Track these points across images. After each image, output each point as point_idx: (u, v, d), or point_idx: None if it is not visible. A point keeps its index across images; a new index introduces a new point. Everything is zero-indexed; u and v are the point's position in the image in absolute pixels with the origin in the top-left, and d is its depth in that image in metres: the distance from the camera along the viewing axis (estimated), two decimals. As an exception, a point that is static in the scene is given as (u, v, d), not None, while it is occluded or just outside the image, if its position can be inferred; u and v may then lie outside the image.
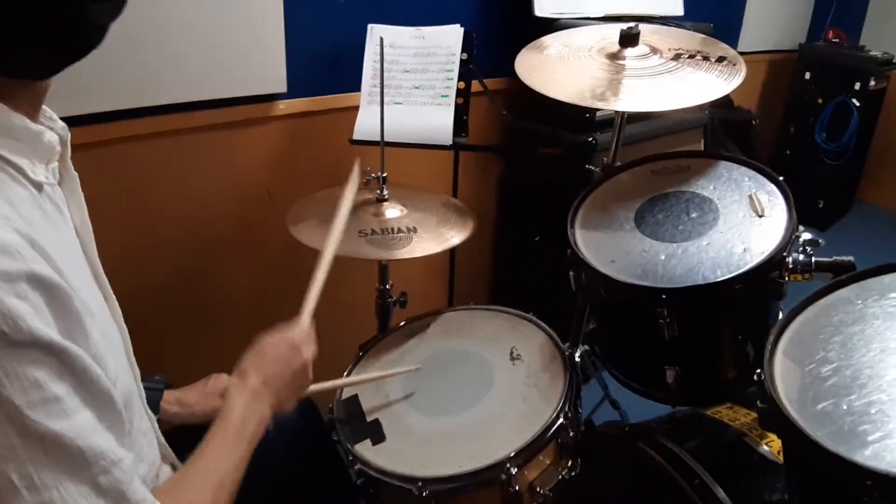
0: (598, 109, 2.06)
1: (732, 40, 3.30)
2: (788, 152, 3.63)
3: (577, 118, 2.05)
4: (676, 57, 1.31)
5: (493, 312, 1.35)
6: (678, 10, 2.45)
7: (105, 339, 0.65)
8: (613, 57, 1.34)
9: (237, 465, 0.80)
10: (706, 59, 1.30)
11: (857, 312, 0.89)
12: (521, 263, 2.39)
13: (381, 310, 1.57)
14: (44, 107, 0.65)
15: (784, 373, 0.85)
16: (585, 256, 1.11)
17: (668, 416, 1.29)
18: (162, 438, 0.87)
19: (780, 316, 1.13)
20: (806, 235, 1.12)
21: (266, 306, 1.85)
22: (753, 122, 3.14)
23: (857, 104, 3.25)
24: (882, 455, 0.71)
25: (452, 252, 1.93)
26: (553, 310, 1.33)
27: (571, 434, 1.10)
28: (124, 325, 0.77)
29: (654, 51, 1.33)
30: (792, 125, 3.59)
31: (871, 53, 3.33)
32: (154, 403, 1.00)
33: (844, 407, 0.78)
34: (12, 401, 0.52)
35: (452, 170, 1.85)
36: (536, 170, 2.14)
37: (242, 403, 0.86)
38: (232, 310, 1.80)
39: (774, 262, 1.01)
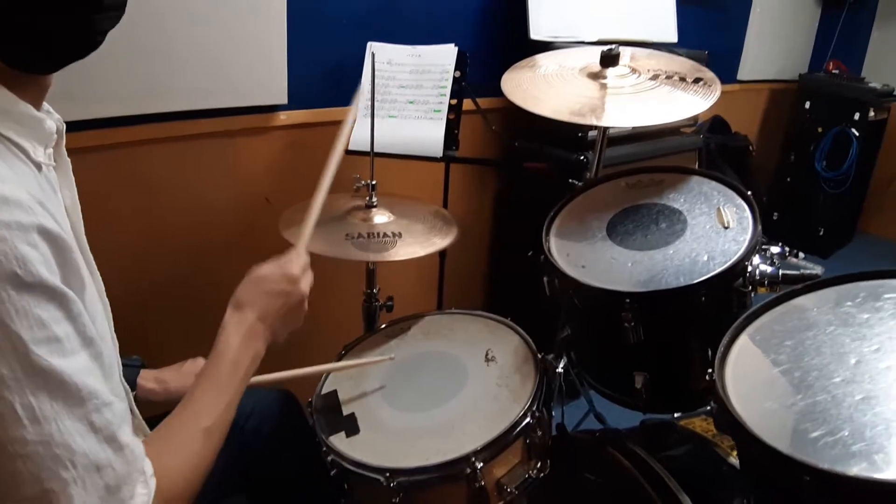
0: (590, 129, 2.12)
1: (732, 69, 3.36)
2: (789, 180, 3.66)
3: (569, 137, 2.10)
4: (654, 77, 1.36)
5: (473, 317, 1.39)
6: (672, 37, 2.51)
7: (92, 305, 0.71)
8: (595, 76, 1.39)
9: (226, 408, 0.81)
10: (683, 79, 1.35)
11: (811, 319, 0.92)
12: (514, 276, 2.43)
13: (368, 313, 1.62)
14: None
15: (735, 374, 0.88)
16: (557, 262, 1.15)
17: (640, 425, 1.32)
18: (137, 412, 0.91)
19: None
20: (774, 249, 1.15)
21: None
22: (750, 149, 3.18)
23: (857, 134, 3.28)
24: (821, 452, 0.74)
25: (442, 261, 1.98)
26: (546, 322, 1.36)
27: (540, 434, 1.13)
28: (107, 301, 0.81)
29: (634, 71, 1.38)
30: (792, 153, 3.63)
31: (871, 85, 3.37)
32: (131, 380, 1.05)
33: (789, 406, 0.81)
34: (20, 335, 0.57)
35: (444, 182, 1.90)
36: (529, 185, 2.19)
37: (237, 341, 0.85)
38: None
39: (736, 271, 1.04)
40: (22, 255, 0.58)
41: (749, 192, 1.17)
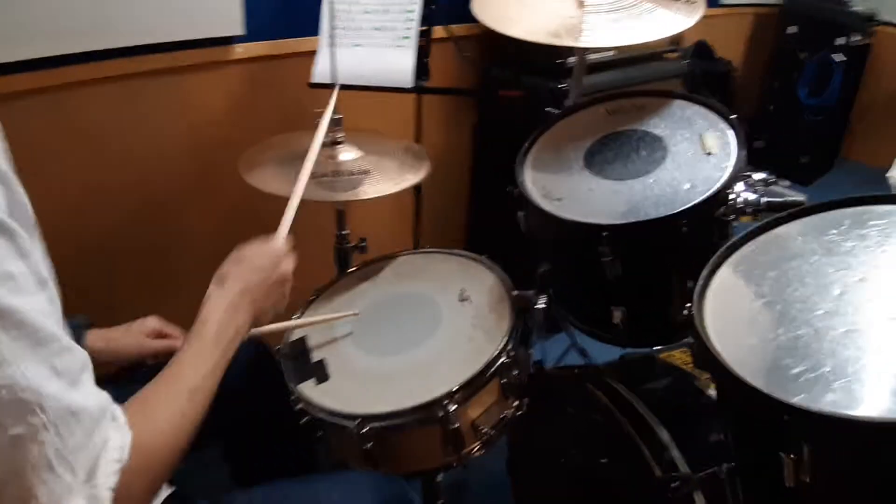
0: (570, 55, 2.02)
1: (716, -9, 3.23)
2: (772, 107, 3.58)
3: (547, 65, 2.01)
4: (634, -8, 1.27)
5: (447, 255, 1.34)
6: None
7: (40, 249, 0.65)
8: (573, -6, 1.30)
9: (211, 372, 0.79)
10: (665, -5, 1.27)
11: (795, 248, 0.88)
12: (494, 213, 2.37)
13: (340, 255, 1.56)
14: None
15: (715, 308, 0.84)
16: (531, 195, 1.09)
17: (619, 360, 1.29)
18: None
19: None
20: (758, 176, 1.10)
21: (224, 254, 1.82)
22: (733, 74, 3.09)
23: (840, 60, 3.20)
24: (801, 388, 0.70)
25: (417, 199, 1.91)
26: (528, 258, 1.30)
27: (516, 373, 1.10)
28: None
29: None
30: (775, 80, 3.54)
31: (855, 9, 3.26)
32: (77, 339, 0.99)
33: (770, 340, 0.77)
34: None
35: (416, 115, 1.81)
36: (506, 116, 2.11)
37: (220, 311, 0.84)
38: (188, 259, 1.77)
39: (719, 200, 0.99)
40: None
41: (734, 116, 1.11)
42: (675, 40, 2.49)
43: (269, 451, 1.26)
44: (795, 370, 0.72)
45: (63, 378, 0.58)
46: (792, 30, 3.40)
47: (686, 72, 2.58)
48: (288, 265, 0.95)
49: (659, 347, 1.45)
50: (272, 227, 1.17)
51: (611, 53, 2.22)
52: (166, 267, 1.75)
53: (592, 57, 2.13)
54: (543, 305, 1.25)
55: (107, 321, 1.10)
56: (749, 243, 0.90)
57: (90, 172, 1.55)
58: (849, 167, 3.78)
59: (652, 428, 1.05)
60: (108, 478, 0.60)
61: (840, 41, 3.21)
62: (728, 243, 0.89)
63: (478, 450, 1.07)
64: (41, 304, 0.58)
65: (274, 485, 1.00)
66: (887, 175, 1.78)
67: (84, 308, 0.97)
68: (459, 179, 2.45)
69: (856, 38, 3.22)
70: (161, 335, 1.09)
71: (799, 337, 0.76)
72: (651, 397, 1.12)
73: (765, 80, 3.61)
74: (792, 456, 0.65)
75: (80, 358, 0.62)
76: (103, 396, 0.63)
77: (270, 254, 0.94)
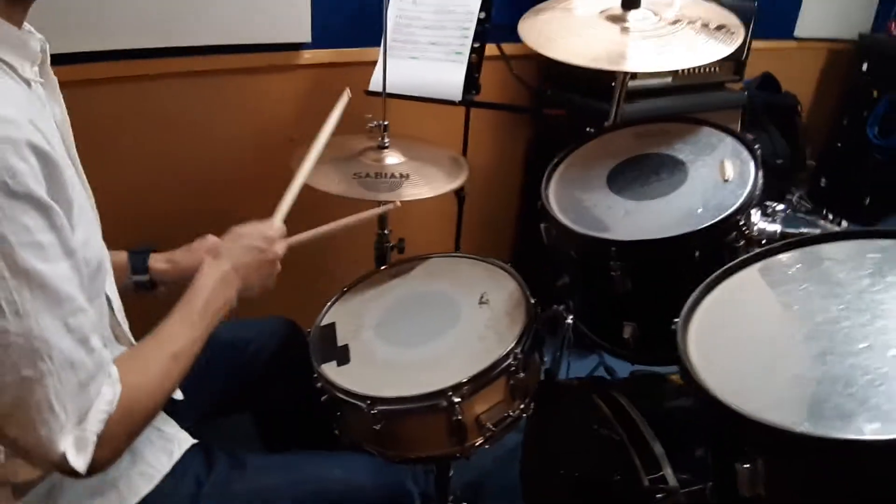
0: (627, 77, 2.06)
1: (789, 25, 3.19)
2: (839, 145, 3.49)
3: (598, 87, 2.05)
4: (675, 22, 1.32)
5: (475, 261, 1.40)
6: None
7: (81, 213, 0.76)
8: (616, 20, 1.36)
9: (195, 340, 0.87)
10: (705, 26, 1.31)
11: (788, 275, 0.91)
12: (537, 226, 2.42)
13: (379, 254, 1.65)
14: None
15: (701, 328, 0.88)
16: (552, 209, 1.15)
17: (629, 376, 1.33)
18: (123, 318, 0.95)
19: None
20: (779, 207, 1.13)
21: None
22: (798, 109, 3.04)
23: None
24: (765, 406, 0.72)
25: (460, 208, 1.98)
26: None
27: (523, 376, 1.15)
28: (96, 210, 0.87)
29: (655, 14, 1.34)
30: (845, 117, 3.45)
31: (931, 48, 3.16)
32: (141, 264, 1.09)
33: (746, 361, 0.81)
34: (6, 237, 0.62)
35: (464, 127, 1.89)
36: (554, 134, 2.16)
37: (212, 284, 0.93)
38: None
39: (728, 226, 1.03)
40: (12, 167, 0.62)
41: (757, 147, 1.14)
42: (738, 70, 2.48)
43: (293, 425, 1.36)
44: (762, 388, 0.76)
45: (73, 334, 0.68)
46: (865, 66, 3.32)
47: (746, 103, 2.57)
48: (280, 248, 1.03)
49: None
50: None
51: (668, 79, 2.24)
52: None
53: (649, 82, 2.16)
54: (571, 321, 1.31)
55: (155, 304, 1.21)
56: (746, 269, 0.94)
57: (159, 157, 1.69)
58: (915, 212, 3.63)
59: (647, 441, 1.09)
60: (95, 424, 0.70)
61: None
62: (725, 267, 0.93)
63: (481, 444, 1.13)
64: (64, 270, 0.68)
65: (287, 453, 1.10)
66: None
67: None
68: (510, 193, 2.51)
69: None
70: None
71: (774, 359, 0.80)
72: (653, 412, 1.16)
73: (835, 117, 3.53)
74: (746, 466, 0.69)
75: (91, 320, 0.72)
76: (105, 354, 0.74)
77: (265, 235, 1.02)
